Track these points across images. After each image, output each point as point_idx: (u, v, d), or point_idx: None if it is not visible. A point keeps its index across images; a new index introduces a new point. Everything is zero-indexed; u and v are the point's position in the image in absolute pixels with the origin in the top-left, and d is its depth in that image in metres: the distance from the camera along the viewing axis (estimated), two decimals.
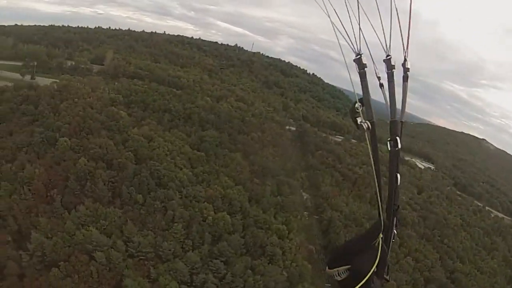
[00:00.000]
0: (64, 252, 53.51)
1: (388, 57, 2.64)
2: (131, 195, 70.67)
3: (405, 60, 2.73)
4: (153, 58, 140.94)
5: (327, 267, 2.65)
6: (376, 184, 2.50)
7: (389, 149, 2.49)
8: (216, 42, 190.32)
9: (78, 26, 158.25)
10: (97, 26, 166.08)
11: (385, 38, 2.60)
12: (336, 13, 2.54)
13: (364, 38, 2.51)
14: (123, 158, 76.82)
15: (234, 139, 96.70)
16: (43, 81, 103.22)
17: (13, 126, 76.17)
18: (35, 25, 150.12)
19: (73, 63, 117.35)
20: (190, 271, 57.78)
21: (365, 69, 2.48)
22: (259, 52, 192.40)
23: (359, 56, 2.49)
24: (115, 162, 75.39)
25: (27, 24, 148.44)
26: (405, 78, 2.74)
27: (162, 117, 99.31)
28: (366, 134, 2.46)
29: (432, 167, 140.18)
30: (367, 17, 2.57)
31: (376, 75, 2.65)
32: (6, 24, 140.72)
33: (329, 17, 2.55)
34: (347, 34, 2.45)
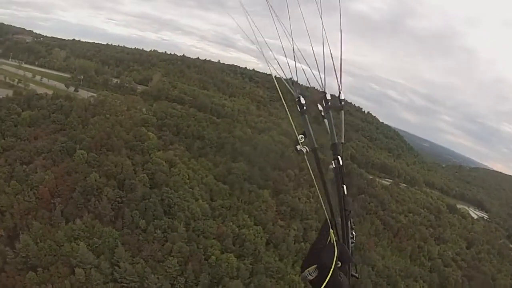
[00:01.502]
0: (46, 260, 60.23)
1: (324, 94, 3.60)
2: (134, 218, 76.72)
3: (339, 92, 3.68)
4: (202, 85, 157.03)
5: (300, 273, 3.21)
6: (320, 193, 3.45)
7: (333, 166, 3.45)
8: (270, 75, 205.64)
9: (135, 48, 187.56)
10: (152, 50, 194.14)
11: (320, 78, 3.58)
12: (276, 60, 3.53)
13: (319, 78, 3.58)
14: (136, 180, 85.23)
15: (266, 174, 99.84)
16: (85, 94, 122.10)
17: (39, 132, 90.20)
18: (93, 42, 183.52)
19: (119, 81, 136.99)
20: None
21: (304, 108, 3.48)
22: (313, 87, 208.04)
23: (298, 98, 3.50)
24: (127, 183, 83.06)
25: (85, 40, 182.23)
26: (341, 107, 3.74)
27: (192, 144, 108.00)
28: (305, 158, 3.43)
29: (486, 216, 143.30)
30: (305, 60, 3.47)
31: (319, 108, 3.67)
32: (66, 38, 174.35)
33: (268, 62, 3.56)
34: (286, 77, 3.49)
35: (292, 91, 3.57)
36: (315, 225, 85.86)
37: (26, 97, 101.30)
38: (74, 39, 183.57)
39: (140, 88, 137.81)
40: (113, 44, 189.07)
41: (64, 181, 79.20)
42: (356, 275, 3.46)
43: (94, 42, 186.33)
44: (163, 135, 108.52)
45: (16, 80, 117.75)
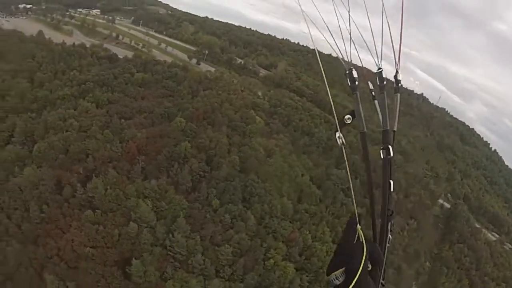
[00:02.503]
0: (108, 206, 69.14)
1: (379, 70, 3.52)
2: (209, 196, 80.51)
3: (396, 72, 3.66)
4: (329, 82, 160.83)
5: (326, 275, 3.15)
6: (351, 189, 3.65)
7: (382, 157, 3.44)
8: (402, 86, 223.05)
9: (267, 34, 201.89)
10: (284, 38, 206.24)
11: (376, 52, 3.52)
12: (327, 26, 3.48)
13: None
14: (226, 160, 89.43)
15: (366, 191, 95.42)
16: (205, 68, 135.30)
17: (147, 93, 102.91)
18: (226, 22, 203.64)
19: (243, 62, 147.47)
20: None
21: (356, 83, 3.40)
22: (444, 109, 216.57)
23: (350, 70, 3.38)
24: (215, 160, 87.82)
25: (216, 19, 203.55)
26: (397, 89, 3.65)
27: (299, 138, 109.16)
28: (343, 149, 3.38)
29: None
30: (358, 31, 3.46)
31: (369, 88, 3.61)
32: (200, 15, 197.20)
33: (318, 30, 3.58)
34: (338, 48, 3.36)
35: (342, 62, 3.43)
36: (399, 265, 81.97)
37: (144, 61, 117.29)
38: (206, 17, 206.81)
39: (263, 72, 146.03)
40: (245, 27, 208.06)
41: (155, 142, 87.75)
42: (383, 281, 3.28)
43: (227, 23, 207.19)
44: (272, 122, 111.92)
45: (141, 45, 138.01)
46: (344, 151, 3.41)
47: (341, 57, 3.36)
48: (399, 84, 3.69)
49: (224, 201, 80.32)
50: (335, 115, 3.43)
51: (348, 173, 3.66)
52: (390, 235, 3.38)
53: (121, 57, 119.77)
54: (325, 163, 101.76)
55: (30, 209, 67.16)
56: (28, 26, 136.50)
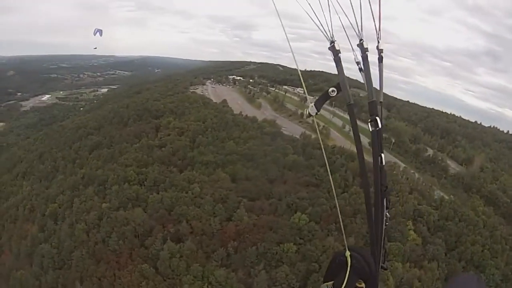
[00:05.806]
0: (166, 271, 77.81)
1: (361, 41, 3.66)
2: None
3: (378, 42, 3.82)
4: None
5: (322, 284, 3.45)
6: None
7: (370, 130, 3.46)
8: None
9: (474, 121, 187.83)
10: (492, 126, 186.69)
11: (357, 23, 3.63)
12: (308, 3, 3.55)
13: (344, 23, 3.65)
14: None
15: None
16: (388, 158, 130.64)
17: (293, 178, 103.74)
18: (424, 107, 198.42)
19: (431, 154, 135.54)
20: None
21: (340, 55, 3.46)
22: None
23: (332, 43, 3.47)
24: (314, 277, 77.24)
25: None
26: (380, 59, 3.80)
27: (459, 272, 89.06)
28: (314, 119, 3.61)
29: None
30: (338, 3, 3.58)
31: (355, 60, 3.75)
32: (403, 99, 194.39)
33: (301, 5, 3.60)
34: (320, 22, 3.46)
35: (325, 35, 3.50)
36: None
37: (304, 143, 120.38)
38: (408, 101, 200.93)
39: (454, 169, 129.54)
40: (456, 115, 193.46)
41: (259, 233, 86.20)
42: (385, 265, 3.60)
43: (426, 107, 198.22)
44: (431, 242, 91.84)
45: (322, 125, 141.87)
46: (316, 125, 4.07)
47: (322, 30, 3.47)
48: (381, 53, 3.78)
49: None
50: (304, 87, 3.98)
51: (324, 155, 4.43)
52: (387, 213, 3.51)
53: (288, 134, 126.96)
54: None
55: (112, 237, 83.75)
56: (225, 94, 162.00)
